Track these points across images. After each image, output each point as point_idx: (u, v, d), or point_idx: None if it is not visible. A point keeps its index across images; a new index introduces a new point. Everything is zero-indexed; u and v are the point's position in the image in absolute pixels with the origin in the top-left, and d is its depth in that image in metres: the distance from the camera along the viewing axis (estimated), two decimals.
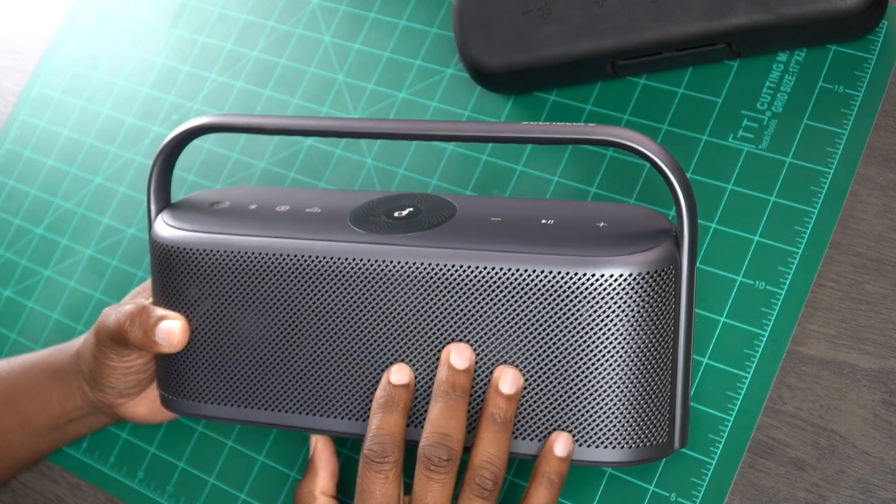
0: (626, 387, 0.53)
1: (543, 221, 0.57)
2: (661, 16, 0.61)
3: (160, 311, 0.60)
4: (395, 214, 0.59)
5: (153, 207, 0.63)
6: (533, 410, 0.55)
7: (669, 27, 0.61)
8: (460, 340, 0.55)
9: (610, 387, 0.53)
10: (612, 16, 0.62)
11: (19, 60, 0.89)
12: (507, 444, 0.54)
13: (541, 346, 0.54)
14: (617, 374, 0.53)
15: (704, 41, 0.62)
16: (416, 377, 0.56)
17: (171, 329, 0.60)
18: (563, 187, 0.67)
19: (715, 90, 0.65)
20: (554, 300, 0.53)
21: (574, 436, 0.54)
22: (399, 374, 0.56)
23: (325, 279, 0.57)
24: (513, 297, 0.54)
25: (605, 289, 0.53)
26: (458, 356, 0.54)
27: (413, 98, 0.73)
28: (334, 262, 0.57)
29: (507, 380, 0.54)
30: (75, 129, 0.84)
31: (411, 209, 0.60)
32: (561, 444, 0.54)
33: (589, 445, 0.54)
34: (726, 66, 0.65)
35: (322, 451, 0.60)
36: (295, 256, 0.57)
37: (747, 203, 0.62)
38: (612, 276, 0.52)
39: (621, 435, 0.54)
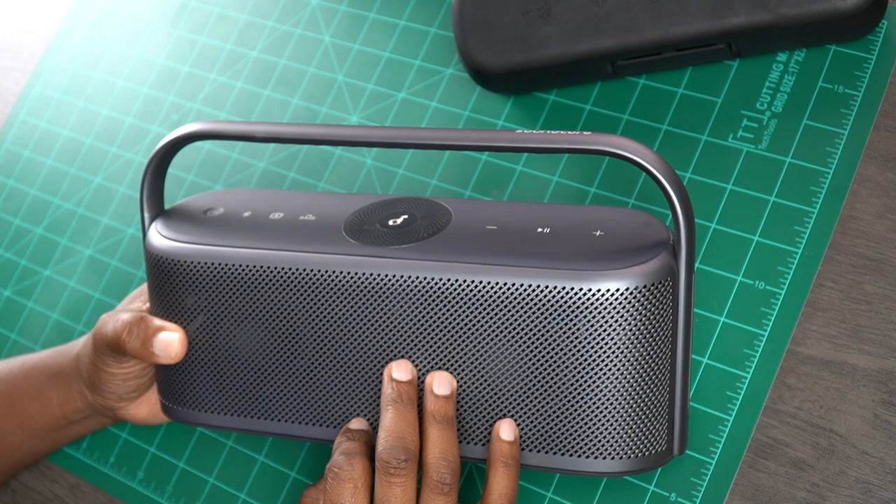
0: (624, 398, 0.53)
1: (539, 230, 0.56)
2: (661, 16, 0.61)
3: (158, 321, 0.60)
4: (390, 223, 0.59)
5: (146, 216, 0.63)
6: (533, 423, 0.54)
7: (669, 27, 0.61)
8: (455, 353, 0.55)
9: (608, 399, 0.53)
10: (612, 16, 0.62)
11: (19, 60, 0.89)
12: (455, 439, 0.55)
13: (537, 360, 0.54)
14: (614, 386, 0.53)
15: (704, 41, 0.62)
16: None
17: (170, 340, 0.60)
18: (562, 188, 0.67)
19: (715, 90, 0.65)
20: (550, 314, 0.53)
21: (573, 448, 0.54)
22: (358, 422, 0.57)
23: (318, 291, 0.57)
24: (508, 310, 0.53)
25: (601, 303, 0.52)
26: (400, 370, 0.55)
27: (413, 98, 0.73)
28: (328, 275, 0.56)
29: (441, 382, 0.55)
30: (75, 130, 0.84)
31: (406, 216, 0.59)
32: (506, 429, 0.54)
33: (588, 457, 0.54)
34: (726, 66, 0.65)
35: None
36: (289, 269, 0.57)
37: (747, 203, 0.62)
38: (608, 290, 0.52)
39: (620, 446, 0.53)
